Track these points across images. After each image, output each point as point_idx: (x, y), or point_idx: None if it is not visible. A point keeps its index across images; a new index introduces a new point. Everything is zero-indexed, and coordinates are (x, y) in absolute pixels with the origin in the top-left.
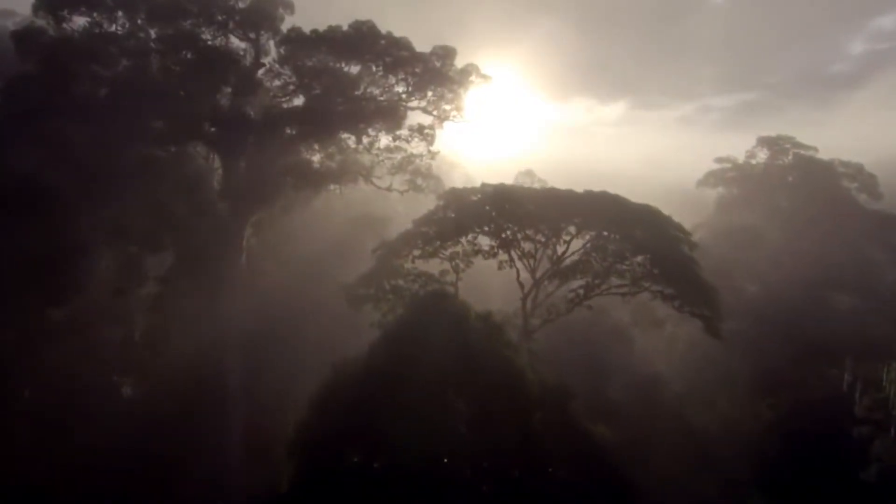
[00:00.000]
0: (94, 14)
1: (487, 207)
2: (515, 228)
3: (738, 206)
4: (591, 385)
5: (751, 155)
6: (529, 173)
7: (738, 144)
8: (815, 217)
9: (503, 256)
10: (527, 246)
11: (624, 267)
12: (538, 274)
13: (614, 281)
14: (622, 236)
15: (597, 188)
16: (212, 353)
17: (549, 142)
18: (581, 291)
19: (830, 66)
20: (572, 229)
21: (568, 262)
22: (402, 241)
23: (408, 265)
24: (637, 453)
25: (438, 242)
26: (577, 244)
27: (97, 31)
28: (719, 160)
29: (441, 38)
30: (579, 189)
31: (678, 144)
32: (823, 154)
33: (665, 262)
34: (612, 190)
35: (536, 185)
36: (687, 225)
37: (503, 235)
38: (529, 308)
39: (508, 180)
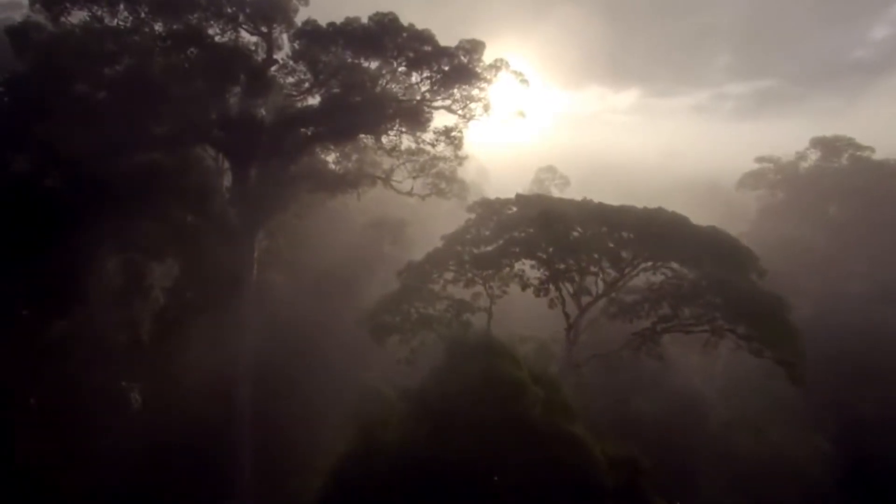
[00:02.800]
0: (94, 8)
1: (532, 230)
2: (569, 259)
3: (783, 213)
4: (630, 406)
5: (802, 156)
6: (550, 169)
7: (755, 133)
8: (871, 226)
9: (554, 292)
10: (582, 281)
11: (700, 309)
12: (584, 300)
13: (681, 318)
14: (695, 270)
15: (614, 178)
16: (221, 367)
17: (560, 129)
18: (648, 334)
19: (850, 52)
20: (627, 253)
21: (626, 292)
22: (431, 262)
23: (437, 288)
24: (684, 482)
25: (472, 269)
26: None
27: (97, 26)
28: (760, 160)
29: (452, 26)
30: (596, 175)
31: (693, 133)
32: None
33: (745, 301)
34: (629, 180)
35: (558, 182)
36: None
37: (555, 267)
38: (572, 336)
39: (525, 172)
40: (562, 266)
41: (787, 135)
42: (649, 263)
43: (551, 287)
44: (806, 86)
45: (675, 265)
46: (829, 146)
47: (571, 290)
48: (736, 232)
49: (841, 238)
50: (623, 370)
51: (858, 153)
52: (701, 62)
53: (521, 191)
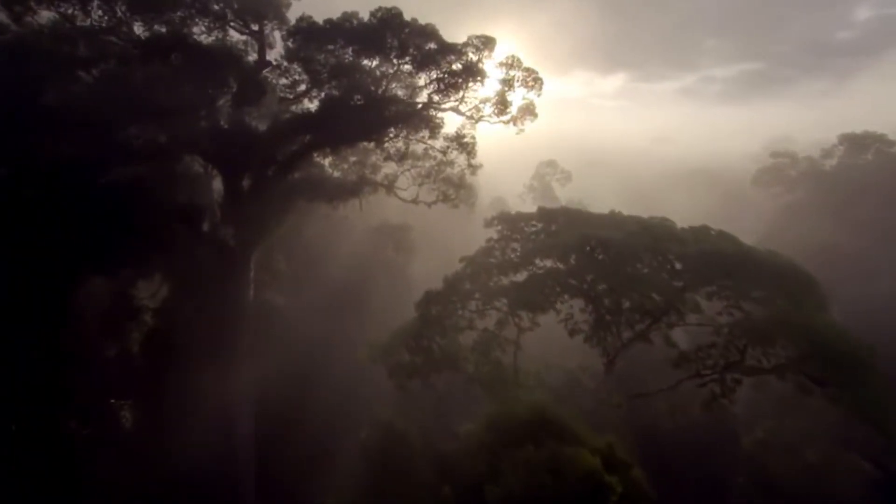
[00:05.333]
0: (64, 6)
1: (573, 260)
2: (625, 301)
3: (804, 211)
4: (660, 423)
5: (827, 154)
6: (552, 164)
7: (744, 117)
8: None
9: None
10: (637, 324)
11: (778, 358)
12: (625, 336)
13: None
14: (766, 308)
15: (608, 166)
16: (220, 394)
17: (549, 115)
18: (718, 389)
19: (835, 34)
20: (678, 282)
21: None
22: (453, 290)
23: (460, 321)
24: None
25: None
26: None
27: (68, 26)
28: (775, 154)
29: (442, 13)
30: (591, 163)
31: (681, 117)
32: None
33: (830, 348)
34: (621, 167)
35: (559, 178)
36: (744, 233)
37: (605, 308)
38: (610, 371)
39: (516, 159)
40: (615, 308)
41: (776, 118)
42: (727, 307)
43: (604, 334)
44: (792, 68)
45: (735, 298)
46: (858, 142)
47: (616, 330)
48: (756, 234)
49: (866, 236)
50: (650, 384)
51: (887, 149)
52: (687, 46)
53: (521, 186)
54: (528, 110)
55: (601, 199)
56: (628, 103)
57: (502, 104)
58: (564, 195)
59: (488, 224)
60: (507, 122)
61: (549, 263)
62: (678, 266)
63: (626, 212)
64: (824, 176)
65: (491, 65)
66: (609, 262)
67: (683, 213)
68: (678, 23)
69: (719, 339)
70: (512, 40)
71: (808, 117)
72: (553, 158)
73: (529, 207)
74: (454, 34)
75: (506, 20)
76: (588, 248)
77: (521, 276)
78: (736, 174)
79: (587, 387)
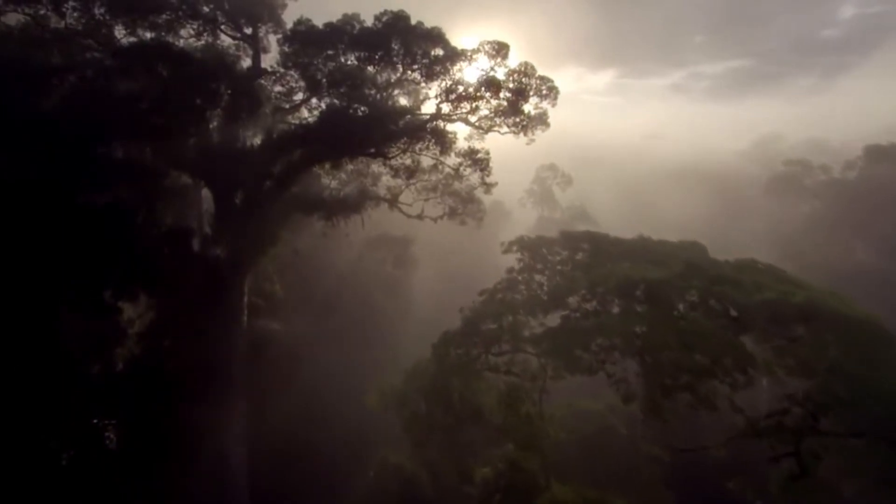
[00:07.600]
0: (35, 7)
1: (616, 304)
2: (677, 356)
3: (826, 226)
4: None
5: (849, 165)
6: (552, 167)
7: (734, 114)
8: None
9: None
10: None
11: (861, 426)
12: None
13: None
14: (841, 368)
15: (600, 162)
16: (208, 426)
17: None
18: (796, 467)
19: (820, 31)
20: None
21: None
22: (475, 333)
23: (483, 368)
24: None
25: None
26: None
27: (39, 29)
28: (789, 163)
29: (432, 7)
30: (583, 161)
31: (671, 114)
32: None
33: None
34: (616, 165)
35: (560, 181)
36: (756, 242)
37: (662, 376)
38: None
39: (517, 157)
40: (675, 369)
41: (765, 114)
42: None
43: (664, 401)
44: (779, 65)
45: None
46: (881, 153)
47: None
48: (771, 245)
49: (887, 250)
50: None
51: None
52: (675, 42)
53: (515, 184)
54: (541, 120)
55: (599, 199)
56: (618, 99)
57: (516, 115)
58: (565, 199)
59: (507, 250)
60: (518, 132)
61: (588, 307)
62: (735, 314)
63: (625, 213)
64: (842, 185)
65: (502, 72)
66: (659, 311)
67: (683, 215)
68: (667, 19)
69: (793, 407)
70: (504, 35)
71: (797, 114)
72: (552, 161)
73: (531, 213)
74: (446, 29)
75: (497, 15)
76: (633, 292)
77: (552, 318)
78: (730, 173)
79: (620, 432)
